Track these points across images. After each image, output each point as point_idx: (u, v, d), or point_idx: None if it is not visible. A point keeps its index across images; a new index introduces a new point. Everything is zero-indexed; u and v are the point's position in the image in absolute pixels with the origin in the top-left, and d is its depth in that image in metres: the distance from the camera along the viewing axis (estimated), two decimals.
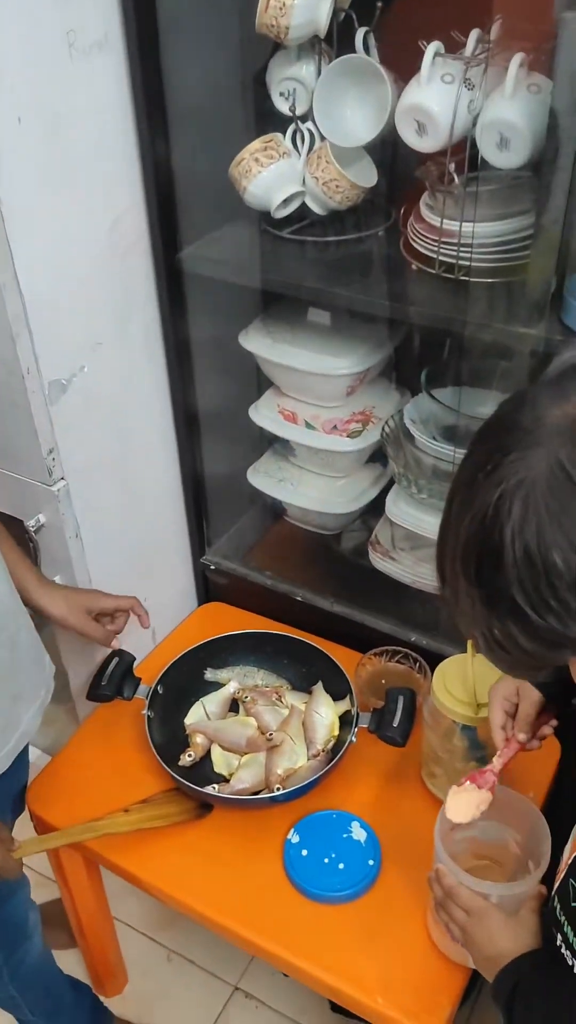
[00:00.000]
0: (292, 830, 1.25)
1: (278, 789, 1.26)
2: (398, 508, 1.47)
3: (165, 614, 1.63)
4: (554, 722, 1.08)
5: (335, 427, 1.49)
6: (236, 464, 1.62)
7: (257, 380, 1.58)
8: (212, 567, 1.65)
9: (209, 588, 1.70)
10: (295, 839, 1.24)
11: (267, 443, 1.65)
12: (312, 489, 1.59)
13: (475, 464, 0.65)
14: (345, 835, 1.25)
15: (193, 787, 1.26)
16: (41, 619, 1.24)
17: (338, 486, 1.58)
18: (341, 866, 1.21)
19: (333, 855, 1.22)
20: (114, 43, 1.13)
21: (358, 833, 1.25)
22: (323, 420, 1.49)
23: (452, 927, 0.99)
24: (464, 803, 1.04)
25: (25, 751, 1.23)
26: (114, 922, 1.62)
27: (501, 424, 0.65)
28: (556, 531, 0.58)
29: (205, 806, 1.29)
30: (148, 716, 1.34)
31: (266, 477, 1.62)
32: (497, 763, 1.06)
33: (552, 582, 0.59)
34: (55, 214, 1.13)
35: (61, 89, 1.08)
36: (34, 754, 1.78)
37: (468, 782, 1.06)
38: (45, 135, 1.08)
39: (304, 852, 1.23)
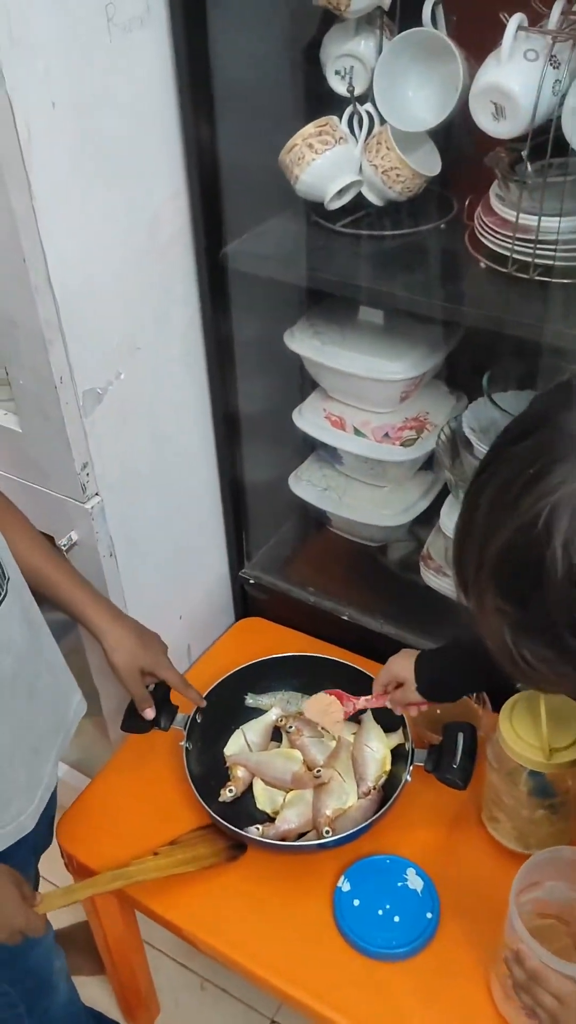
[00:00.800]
0: (343, 876, 1.16)
1: (327, 832, 1.17)
2: (453, 521, 1.36)
3: (202, 631, 1.54)
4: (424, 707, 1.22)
5: (387, 435, 1.38)
6: (277, 471, 1.52)
7: (300, 381, 1.48)
8: (251, 581, 1.56)
9: (248, 602, 1.60)
10: (346, 887, 1.15)
11: (309, 448, 1.54)
12: (359, 499, 1.48)
13: (515, 465, 0.59)
14: (400, 883, 1.15)
15: (235, 830, 1.16)
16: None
17: (387, 496, 1.48)
18: (396, 919, 1.12)
19: (388, 906, 1.13)
20: (157, 17, 1.02)
21: (414, 881, 1.15)
22: (373, 427, 1.39)
23: (540, 1012, 0.90)
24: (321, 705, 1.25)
25: (55, 796, 1.14)
26: (145, 947, 1.54)
27: (547, 422, 0.59)
28: None
29: (238, 846, 1.20)
30: (186, 748, 1.25)
31: (309, 485, 1.51)
32: (361, 702, 1.26)
33: None
34: (91, 208, 1.02)
35: (99, 70, 0.97)
36: (61, 769, 1.71)
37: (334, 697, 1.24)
38: (81, 121, 0.97)
39: (356, 902, 1.14)
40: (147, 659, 1.17)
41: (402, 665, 1.20)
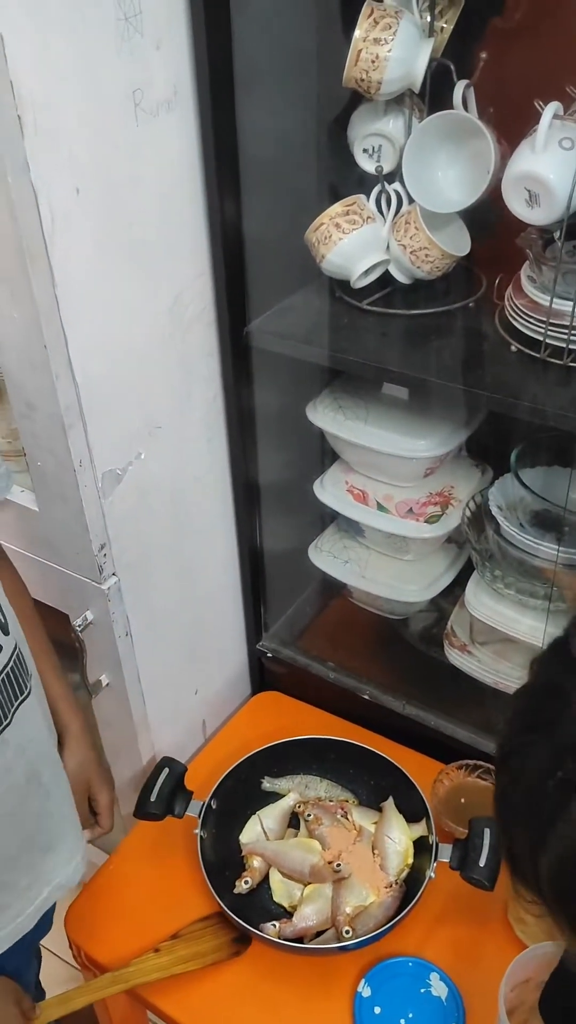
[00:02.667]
0: (363, 980, 1.11)
1: (347, 933, 1.12)
2: (479, 601, 1.32)
3: (217, 705, 1.50)
4: None
5: (411, 510, 1.35)
6: (296, 540, 1.49)
7: (321, 451, 1.45)
8: (268, 654, 1.52)
9: (264, 675, 1.56)
10: (366, 992, 1.10)
11: (329, 516, 1.51)
12: (381, 572, 1.44)
13: (538, 764, 0.53)
14: (423, 990, 1.10)
15: (252, 930, 1.12)
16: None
17: (410, 569, 1.44)
18: None
19: (411, 1015, 1.08)
20: (184, 100, 1.00)
21: (438, 988, 1.10)
22: (397, 502, 1.35)
23: None
24: None
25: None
26: None
27: (556, 712, 0.54)
28: None
29: (242, 939, 1.16)
30: (200, 836, 1.21)
31: (330, 557, 1.47)
32: None
33: None
34: (114, 291, 1.00)
35: (124, 154, 0.95)
36: None
37: None
38: (105, 205, 0.95)
39: (377, 1009, 1.08)
40: (96, 780, 1.11)
41: None
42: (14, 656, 0.87)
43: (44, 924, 1.12)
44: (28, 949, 1.09)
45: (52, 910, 1.14)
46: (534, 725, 0.55)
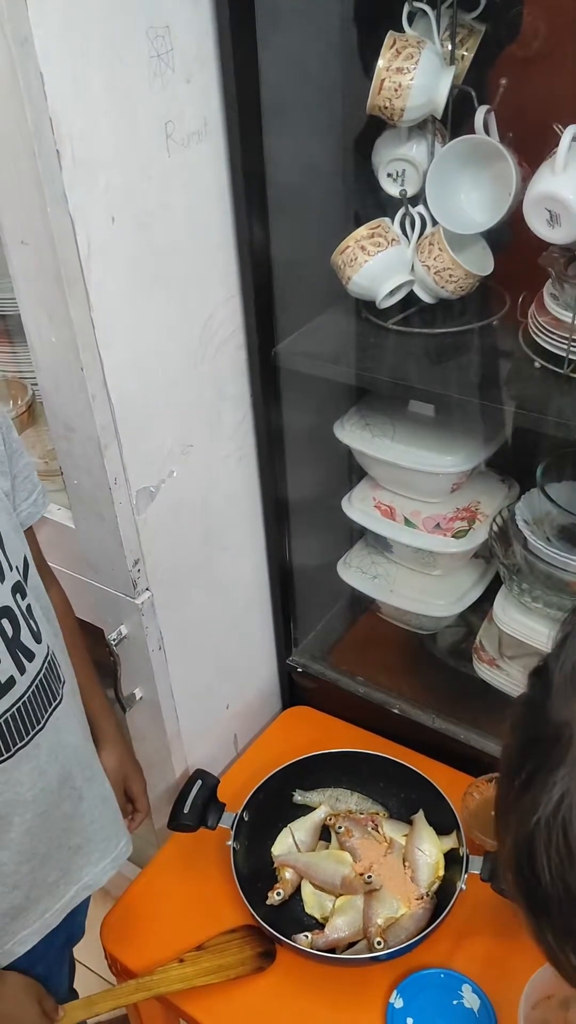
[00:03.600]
0: (395, 992, 1.12)
1: (379, 944, 1.13)
2: (507, 615, 1.33)
3: (248, 719, 1.52)
4: None
5: (438, 525, 1.37)
6: (325, 557, 1.51)
7: (349, 468, 1.47)
8: (299, 670, 1.54)
9: (295, 690, 1.58)
10: (399, 1003, 1.11)
11: (358, 533, 1.53)
12: (409, 588, 1.46)
13: (509, 765, 0.57)
14: (456, 1001, 1.11)
15: (285, 940, 1.14)
16: None
17: (438, 584, 1.45)
18: None
19: None
20: (213, 131, 1.04)
21: (470, 1000, 1.11)
22: (424, 517, 1.37)
23: None
24: None
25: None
26: None
27: (529, 715, 0.57)
28: None
29: (267, 954, 1.17)
30: (233, 848, 1.23)
31: (359, 573, 1.50)
32: None
33: None
34: (147, 315, 1.04)
35: (157, 184, 0.99)
36: None
37: None
38: (138, 232, 0.99)
39: (410, 1021, 1.09)
40: (131, 774, 1.19)
41: None
42: (46, 663, 0.90)
43: (76, 930, 1.15)
44: (60, 953, 1.11)
45: (84, 916, 1.17)
46: (516, 725, 0.59)
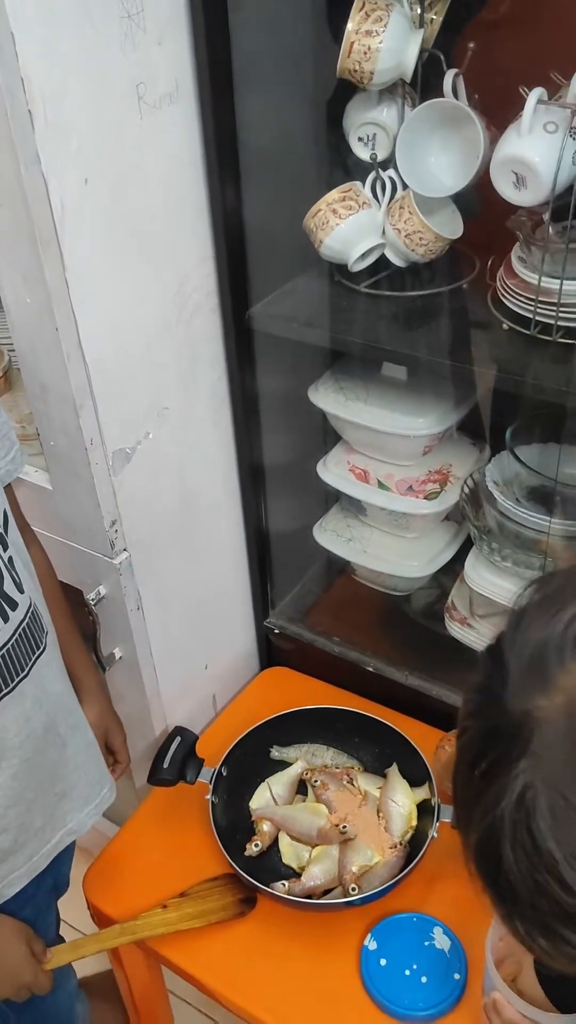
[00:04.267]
0: (369, 935, 1.16)
1: (353, 890, 1.17)
2: (478, 575, 1.36)
3: (227, 680, 1.55)
4: None
5: (411, 487, 1.39)
6: (301, 520, 1.54)
7: (324, 433, 1.50)
8: (276, 631, 1.57)
9: (272, 651, 1.61)
10: (373, 946, 1.15)
11: (333, 499, 1.56)
12: (383, 550, 1.49)
13: (468, 755, 0.58)
14: (427, 943, 1.15)
15: (262, 887, 1.17)
16: None
17: (411, 546, 1.48)
18: (424, 979, 1.11)
19: (415, 966, 1.13)
20: (185, 94, 1.05)
21: (441, 941, 1.15)
22: (397, 480, 1.40)
23: None
24: None
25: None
26: (169, 996, 1.54)
27: (487, 705, 0.57)
28: (572, 871, 0.51)
29: (248, 900, 1.21)
30: (212, 802, 1.26)
31: (334, 536, 1.52)
32: None
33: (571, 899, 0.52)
34: (121, 277, 1.05)
35: (130, 146, 1.00)
36: None
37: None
38: (112, 194, 1.01)
39: (383, 961, 1.13)
40: (112, 726, 1.22)
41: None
42: (29, 613, 0.93)
43: (62, 880, 1.18)
44: (47, 898, 1.14)
45: (69, 868, 1.20)
46: (474, 712, 0.60)
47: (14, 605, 0.90)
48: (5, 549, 0.90)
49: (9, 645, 0.90)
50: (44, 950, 1.05)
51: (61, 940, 1.24)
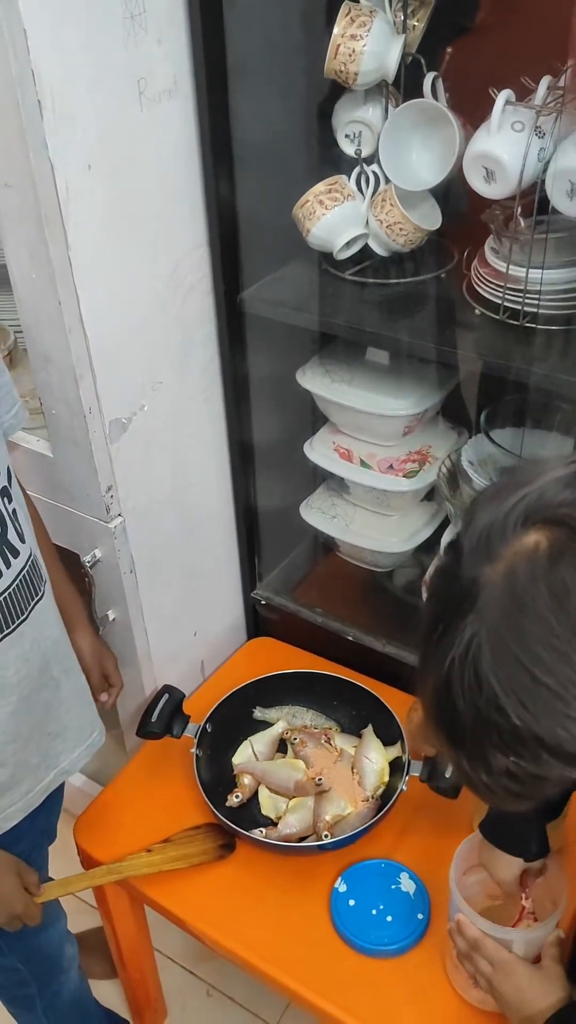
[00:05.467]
0: (340, 879, 1.24)
1: (326, 836, 1.25)
2: None
3: (215, 647, 1.63)
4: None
5: (391, 466, 1.48)
6: (289, 499, 1.62)
7: (312, 416, 1.58)
8: (263, 602, 1.65)
9: (259, 622, 1.69)
10: (342, 888, 1.23)
11: (320, 478, 1.64)
12: (365, 527, 1.57)
13: (427, 623, 0.67)
14: (393, 886, 1.23)
15: (241, 831, 1.25)
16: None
17: (392, 524, 1.57)
18: (389, 918, 1.19)
19: (381, 907, 1.20)
20: (183, 89, 1.14)
21: (407, 885, 1.23)
22: (379, 459, 1.48)
23: (479, 979, 0.98)
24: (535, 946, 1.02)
25: (61, 784, 1.24)
26: (155, 954, 1.61)
27: (444, 580, 0.68)
28: (508, 697, 0.60)
29: (227, 845, 1.29)
30: (196, 755, 1.34)
31: (319, 513, 1.61)
32: (528, 904, 1.07)
33: (519, 739, 0.61)
34: (120, 257, 1.14)
35: (130, 136, 1.09)
36: (79, 779, 1.80)
37: (527, 922, 1.05)
38: (113, 181, 1.09)
39: (352, 902, 1.21)
40: (105, 653, 1.29)
41: (505, 868, 1.07)
42: (29, 561, 1.01)
43: (50, 827, 1.26)
44: (40, 835, 1.22)
45: (57, 818, 1.28)
46: (433, 593, 0.70)
47: (16, 553, 0.99)
48: (9, 501, 0.99)
49: (11, 590, 0.98)
50: (36, 883, 1.13)
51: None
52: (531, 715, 0.60)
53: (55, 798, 1.21)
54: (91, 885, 1.23)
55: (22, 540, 1.00)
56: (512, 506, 0.63)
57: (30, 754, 1.08)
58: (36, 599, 1.03)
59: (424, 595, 0.73)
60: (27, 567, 1.00)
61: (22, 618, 1.00)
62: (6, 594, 0.97)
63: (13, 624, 0.99)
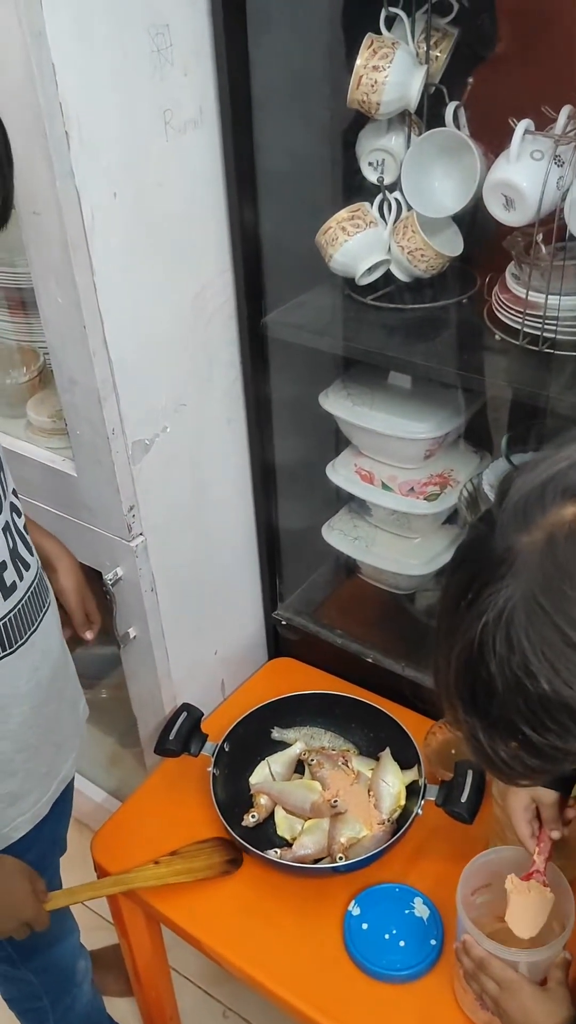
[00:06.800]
0: (353, 901, 1.23)
1: (340, 859, 1.24)
2: None
3: (235, 667, 1.64)
4: (573, 806, 1.11)
5: (412, 489, 1.48)
6: (311, 520, 1.63)
7: (335, 438, 1.59)
8: (283, 622, 1.66)
9: (279, 643, 1.70)
10: (356, 911, 1.22)
11: (343, 500, 1.65)
12: (387, 549, 1.58)
13: (455, 592, 0.67)
14: (407, 911, 1.22)
15: (255, 851, 1.25)
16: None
17: (413, 547, 1.57)
18: (402, 943, 1.19)
19: (394, 931, 1.20)
20: (208, 119, 1.16)
21: (420, 910, 1.22)
22: (400, 482, 1.49)
23: (485, 999, 0.98)
24: (531, 912, 1.04)
25: (71, 793, 1.26)
26: (172, 973, 1.61)
27: (475, 550, 0.67)
28: (540, 661, 0.61)
29: (234, 861, 1.29)
30: (213, 774, 1.35)
31: (341, 535, 1.61)
32: (540, 862, 1.07)
33: (545, 707, 0.62)
34: (144, 282, 1.16)
35: (155, 165, 1.12)
36: (99, 795, 1.82)
37: (530, 880, 1.05)
38: (138, 208, 1.12)
39: (364, 925, 1.21)
40: (87, 593, 1.24)
41: (519, 798, 1.11)
42: (38, 574, 1.05)
43: (60, 836, 1.27)
44: (49, 845, 1.23)
45: (66, 828, 1.29)
46: (456, 565, 0.70)
47: (28, 566, 1.02)
48: (19, 516, 1.02)
49: (24, 601, 1.01)
50: (44, 890, 1.13)
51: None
52: (561, 680, 0.60)
53: (63, 807, 1.23)
54: (97, 895, 1.24)
55: (31, 554, 1.04)
56: (550, 477, 0.64)
57: (39, 763, 1.10)
58: (44, 611, 1.06)
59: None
60: (36, 579, 1.04)
61: (33, 629, 1.03)
62: (19, 606, 1.00)
63: (26, 635, 1.02)
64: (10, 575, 0.98)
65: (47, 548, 1.18)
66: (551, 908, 1.05)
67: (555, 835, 1.08)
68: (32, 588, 1.02)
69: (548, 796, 1.09)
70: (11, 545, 0.98)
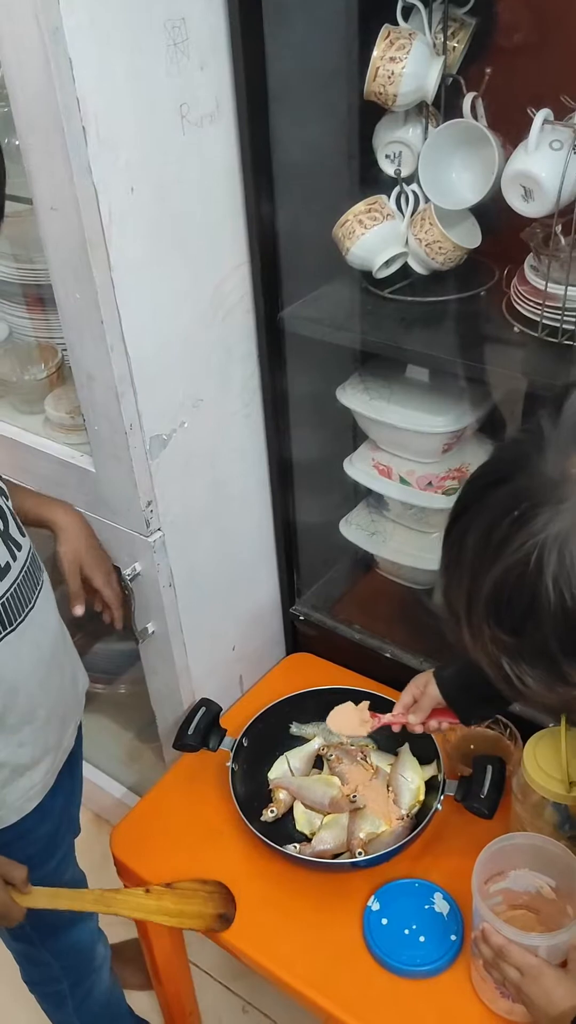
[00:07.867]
0: (373, 897, 1.23)
1: (360, 854, 1.24)
2: None
3: (253, 662, 1.64)
4: (446, 724, 1.25)
5: (430, 483, 1.48)
6: (328, 515, 1.63)
7: (353, 433, 1.59)
8: (301, 618, 1.66)
9: (298, 638, 1.70)
10: (376, 907, 1.22)
11: (360, 495, 1.65)
12: (405, 543, 1.57)
13: (498, 509, 0.65)
14: (427, 906, 1.22)
15: (274, 846, 1.25)
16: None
17: (431, 541, 1.56)
18: (422, 939, 1.18)
19: (414, 926, 1.20)
20: (225, 113, 1.16)
21: (440, 905, 1.22)
22: (418, 476, 1.48)
23: (507, 985, 0.98)
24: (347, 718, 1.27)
25: (79, 770, 1.28)
26: (191, 968, 1.62)
27: (522, 468, 0.65)
28: None
29: (225, 918, 1.22)
30: (232, 768, 1.35)
31: (359, 530, 1.61)
32: (387, 718, 1.26)
33: None
34: (162, 277, 1.16)
35: (173, 159, 1.11)
36: (120, 791, 1.83)
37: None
38: (155, 202, 1.12)
39: (384, 921, 1.21)
40: (88, 562, 1.25)
41: (421, 676, 1.26)
42: (30, 554, 1.07)
43: (71, 818, 1.28)
44: (62, 818, 1.24)
45: (78, 809, 1.31)
46: (495, 481, 0.67)
47: (19, 547, 1.05)
48: (7, 499, 1.05)
49: (19, 580, 1.04)
50: (23, 879, 1.07)
51: (79, 873, 1.34)
52: None
53: (72, 784, 1.25)
54: (77, 908, 1.16)
55: (23, 534, 1.06)
56: None
57: (47, 735, 1.12)
58: (38, 588, 1.08)
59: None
60: (28, 560, 1.07)
61: (30, 607, 1.06)
62: (15, 586, 1.03)
63: (24, 614, 1.04)
64: (3, 556, 1.00)
65: (53, 515, 1.19)
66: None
67: (411, 719, 1.23)
68: (25, 568, 1.05)
69: (434, 694, 1.21)
70: (2, 528, 1.01)
